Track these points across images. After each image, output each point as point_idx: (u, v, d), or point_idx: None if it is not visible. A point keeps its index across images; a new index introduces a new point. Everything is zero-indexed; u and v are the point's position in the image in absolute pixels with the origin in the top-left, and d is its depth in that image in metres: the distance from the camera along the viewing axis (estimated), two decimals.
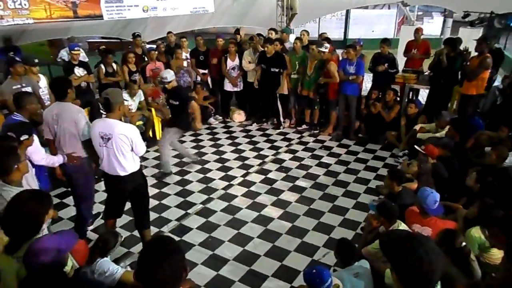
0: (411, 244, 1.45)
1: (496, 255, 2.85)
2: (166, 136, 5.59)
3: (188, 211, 4.86)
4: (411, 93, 7.59)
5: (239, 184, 5.53)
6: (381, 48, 7.00)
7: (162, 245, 1.62)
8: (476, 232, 2.96)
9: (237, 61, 7.54)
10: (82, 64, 6.56)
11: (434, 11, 17.43)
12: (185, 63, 7.71)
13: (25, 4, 5.71)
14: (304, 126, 7.58)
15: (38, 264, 1.94)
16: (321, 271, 2.49)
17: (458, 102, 6.46)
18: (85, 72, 6.51)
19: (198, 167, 5.95)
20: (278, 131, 7.52)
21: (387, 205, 3.27)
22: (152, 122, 6.95)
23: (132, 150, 3.43)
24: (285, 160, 6.27)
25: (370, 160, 6.24)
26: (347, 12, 16.68)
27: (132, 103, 6.60)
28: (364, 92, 7.40)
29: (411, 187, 4.18)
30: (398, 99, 6.96)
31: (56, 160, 3.67)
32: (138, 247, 4.05)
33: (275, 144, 6.94)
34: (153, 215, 4.44)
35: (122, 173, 3.47)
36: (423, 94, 7.79)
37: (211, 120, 7.92)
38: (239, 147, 6.83)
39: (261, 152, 6.59)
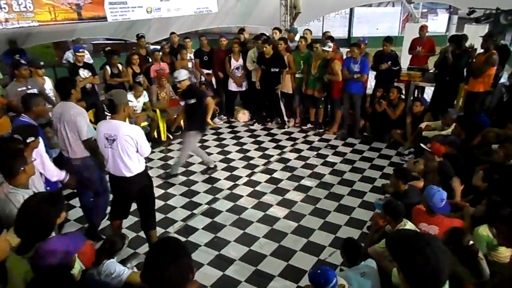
0: (418, 243, 1.43)
1: (504, 253, 2.83)
2: (187, 140, 5.54)
3: (194, 211, 4.86)
4: (416, 90, 7.55)
5: (245, 184, 5.53)
6: (384, 46, 6.98)
7: (168, 246, 1.62)
8: (484, 231, 2.94)
9: (241, 61, 7.55)
10: (87, 66, 6.59)
11: (439, 8, 17.31)
12: (189, 64, 7.72)
13: (30, 7, 5.73)
14: (309, 125, 7.57)
15: (45, 266, 1.95)
16: (326, 271, 2.48)
17: (464, 100, 6.42)
18: (90, 74, 6.53)
19: (203, 167, 5.96)
20: (283, 130, 7.51)
21: (393, 204, 3.25)
22: (157, 123, 6.97)
23: (137, 151, 3.44)
24: (290, 160, 6.26)
25: (376, 158, 6.22)
26: (351, 10, 16.63)
27: (136, 104, 6.62)
28: (369, 91, 7.37)
29: (417, 185, 4.16)
30: (403, 97, 6.93)
31: (63, 176, 3.72)
32: (144, 248, 4.06)
33: (280, 143, 6.93)
34: (159, 216, 4.45)
35: (128, 174, 3.48)
36: (428, 92, 7.75)
37: (216, 120, 7.92)
38: (244, 147, 6.83)
39: (266, 152, 6.59)
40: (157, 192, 4.88)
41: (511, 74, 5.96)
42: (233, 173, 5.86)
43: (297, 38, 8.02)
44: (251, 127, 7.77)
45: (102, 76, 6.93)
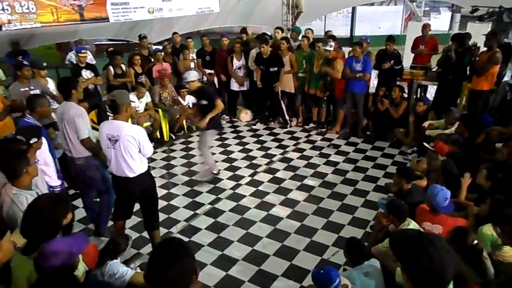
0: (421, 243, 1.42)
1: (509, 252, 2.81)
2: (203, 140, 5.50)
3: (197, 211, 4.86)
4: (419, 89, 7.52)
5: (247, 183, 5.53)
6: (387, 46, 6.96)
7: (172, 247, 1.62)
8: (488, 230, 2.92)
9: (243, 60, 7.55)
10: (89, 67, 6.61)
11: (441, 7, 17.26)
12: (192, 64, 7.72)
13: (32, 8, 5.74)
14: (311, 125, 7.56)
15: (49, 267, 1.95)
16: (329, 271, 2.47)
17: (467, 98, 6.40)
18: (92, 75, 6.55)
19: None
20: (285, 130, 7.51)
21: (396, 203, 3.24)
22: (159, 123, 6.98)
23: (139, 151, 3.44)
24: (292, 159, 6.25)
25: (379, 157, 6.20)
26: (353, 9, 16.60)
27: (139, 104, 6.63)
28: (372, 90, 7.35)
29: (420, 184, 4.13)
30: (406, 95, 6.91)
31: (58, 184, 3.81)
32: (148, 248, 4.07)
33: (282, 143, 6.93)
34: (162, 216, 4.44)
35: (130, 175, 3.48)
36: (431, 91, 7.72)
37: None
38: (246, 146, 6.83)
39: (268, 151, 6.59)
40: (160, 192, 4.88)
41: None
42: (236, 173, 5.86)
43: (300, 37, 8.01)
44: (254, 126, 7.77)
45: (105, 76, 6.95)
